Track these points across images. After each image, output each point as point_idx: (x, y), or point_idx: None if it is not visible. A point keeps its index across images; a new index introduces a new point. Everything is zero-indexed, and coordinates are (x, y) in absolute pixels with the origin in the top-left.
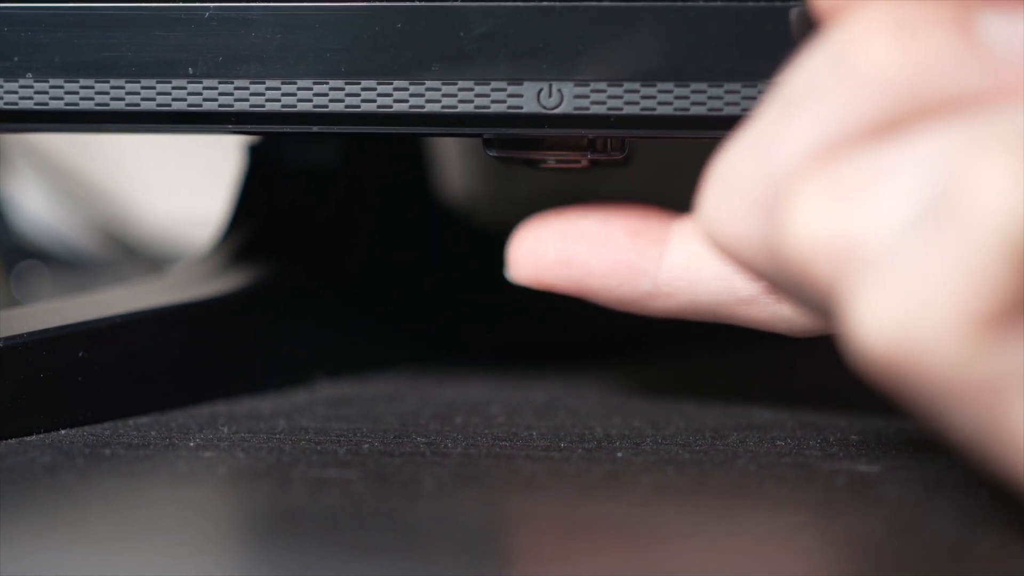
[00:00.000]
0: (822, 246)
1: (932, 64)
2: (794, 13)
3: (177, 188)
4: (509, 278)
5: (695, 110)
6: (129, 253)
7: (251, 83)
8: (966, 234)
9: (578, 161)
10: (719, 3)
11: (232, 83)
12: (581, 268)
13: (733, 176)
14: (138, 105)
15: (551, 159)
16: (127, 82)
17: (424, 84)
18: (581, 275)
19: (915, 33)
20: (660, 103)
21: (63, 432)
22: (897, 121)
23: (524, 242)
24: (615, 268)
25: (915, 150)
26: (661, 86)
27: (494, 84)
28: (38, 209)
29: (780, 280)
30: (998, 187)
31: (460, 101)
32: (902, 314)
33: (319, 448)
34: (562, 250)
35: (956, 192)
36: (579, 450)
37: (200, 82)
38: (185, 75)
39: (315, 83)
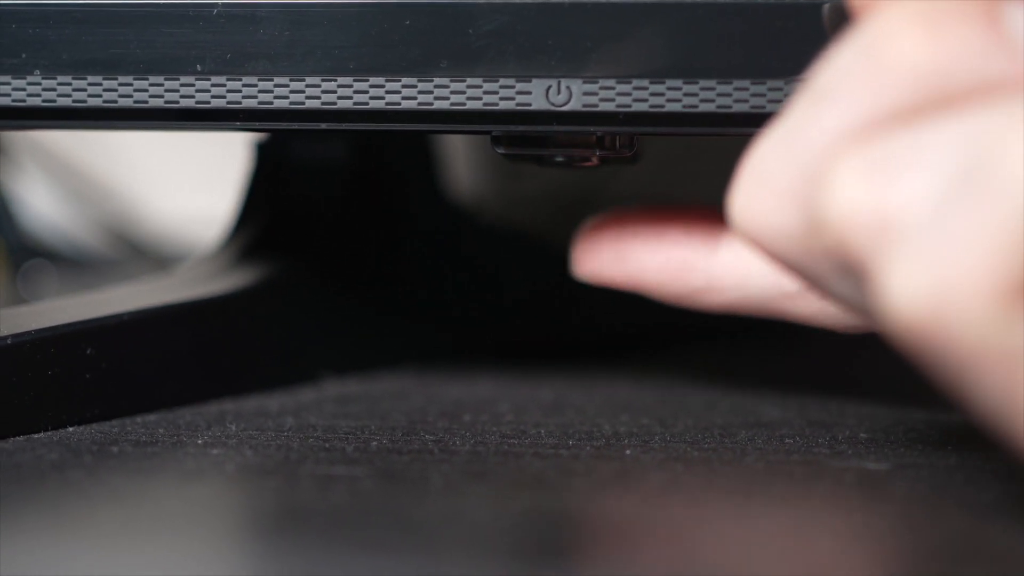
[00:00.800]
0: (859, 219)
1: (959, 56)
2: (827, 8)
3: (184, 187)
4: (574, 276)
5: (704, 107)
6: (136, 252)
7: (259, 80)
8: (995, 208)
9: (587, 158)
10: (728, 0)
11: (240, 80)
12: (636, 264)
13: (765, 169)
14: (146, 102)
15: (560, 156)
16: (135, 79)
17: (432, 81)
18: (636, 271)
19: (942, 26)
20: (669, 100)
21: (71, 429)
22: (925, 110)
23: (583, 240)
24: (668, 263)
25: (949, 129)
26: (670, 83)
27: (502, 81)
28: (45, 208)
29: (811, 270)
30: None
31: (468, 98)
32: (934, 284)
33: (327, 445)
34: (618, 247)
35: (986, 168)
36: (587, 448)
37: (208, 79)
38: (193, 72)
39: (323, 80)
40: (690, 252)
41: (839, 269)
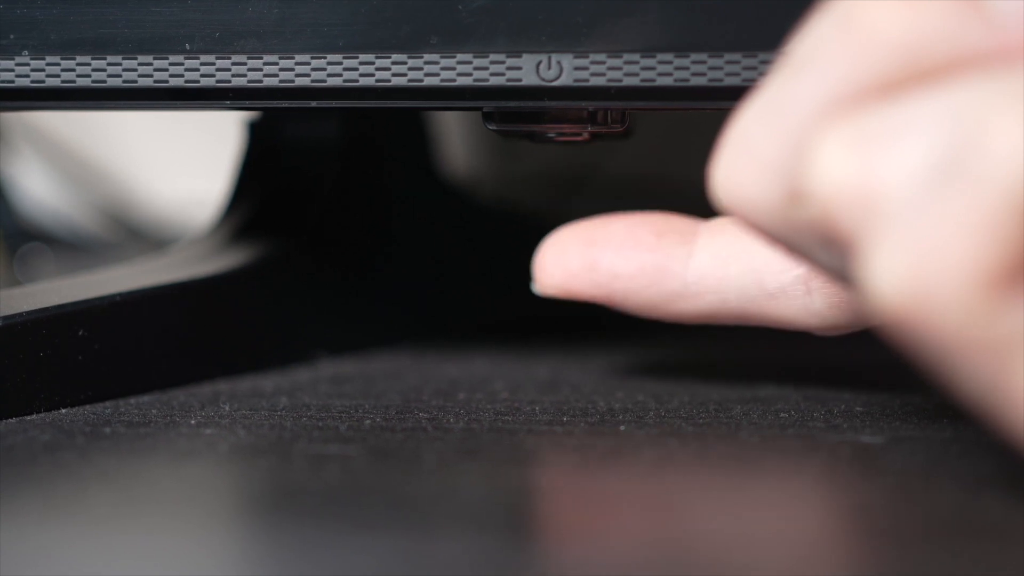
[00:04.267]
0: (845, 194)
1: (937, 27)
2: None
3: (182, 169)
4: (535, 291)
5: (695, 81)
6: (133, 235)
7: (249, 58)
8: (979, 192)
9: (578, 134)
10: None
11: (230, 59)
12: (608, 271)
13: (746, 140)
14: (135, 82)
15: (551, 132)
16: (124, 59)
17: (423, 58)
18: (608, 279)
19: None
20: (660, 74)
21: (63, 411)
22: (904, 82)
23: (549, 252)
24: (643, 268)
25: (935, 104)
26: (661, 57)
27: (493, 57)
28: (41, 191)
29: (793, 240)
30: (1011, 146)
31: (459, 74)
32: (916, 267)
33: (321, 424)
34: (588, 255)
35: (970, 149)
36: (582, 424)
37: (197, 58)
38: (182, 51)
39: (313, 58)
40: (665, 256)
41: (822, 240)
